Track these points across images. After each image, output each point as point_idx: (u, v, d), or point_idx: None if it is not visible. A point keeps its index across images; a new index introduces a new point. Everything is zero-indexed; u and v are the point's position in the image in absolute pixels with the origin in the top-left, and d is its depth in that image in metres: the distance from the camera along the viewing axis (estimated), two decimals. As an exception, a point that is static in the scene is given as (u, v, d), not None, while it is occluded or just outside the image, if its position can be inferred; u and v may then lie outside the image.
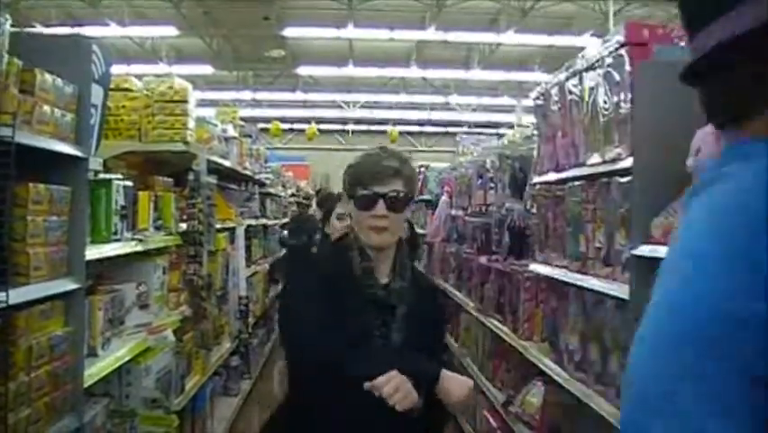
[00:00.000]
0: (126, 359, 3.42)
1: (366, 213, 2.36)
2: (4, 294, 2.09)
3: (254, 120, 16.72)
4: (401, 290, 2.41)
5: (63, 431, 2.74)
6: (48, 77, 2.66)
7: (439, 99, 24.34)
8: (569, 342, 3.45)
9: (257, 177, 7.76)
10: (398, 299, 2.39)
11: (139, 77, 4.70)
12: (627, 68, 2.79)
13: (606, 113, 3.03)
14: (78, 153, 2.87)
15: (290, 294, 2.64)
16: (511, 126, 8.83)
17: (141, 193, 3.76)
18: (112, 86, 3.74)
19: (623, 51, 2.83)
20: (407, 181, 2.42)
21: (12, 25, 2.39)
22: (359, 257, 2.40)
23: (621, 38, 2.87)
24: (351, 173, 2.44)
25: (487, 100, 24.19)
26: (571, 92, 3.47)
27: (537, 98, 4.06)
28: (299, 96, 24.16)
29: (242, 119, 7.97)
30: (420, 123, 27.51)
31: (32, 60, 2.61)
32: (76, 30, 14.22)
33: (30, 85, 2.54)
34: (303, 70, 21.04)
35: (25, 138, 2.36)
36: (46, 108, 2.63)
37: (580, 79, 3.34)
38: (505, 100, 22.63)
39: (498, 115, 23.94)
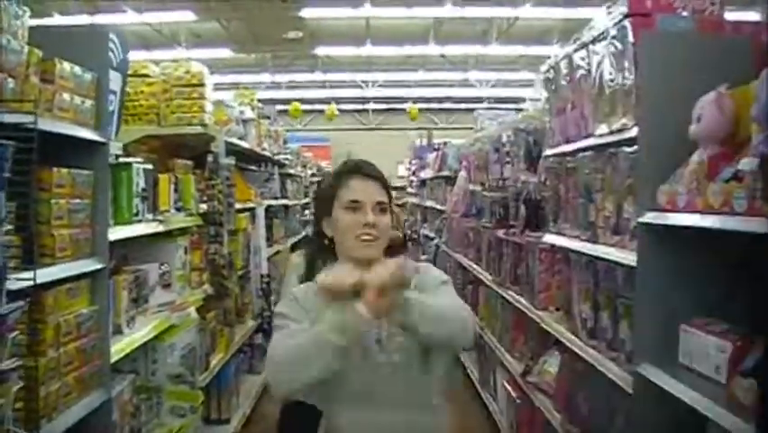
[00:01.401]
0: (151, 336, 3.54)
1: None
2: (31, 274, 2.20)
3: (274, 102, 16.73)
4: None
5: (92, 404, 2.87)
6: (67, 65, 2.77)
7: (458, 76, 24.24)
8: (582, 310, 3.52)
9: (276, 158, 7.84)
10: None
11: (158, 62, 4.81)
12: (630, 38, 2.83)
13: (611, 84, 3.07)
14: (99, 138, 2.98)
15: None
16: (532, 101, 8.80)
17: (161, 176, 3.85)
18: (130, 72, 3.83)
19: (626, 23, 2.87)
20: None
21: (30, 16, 2.48)
22: None
23: (624, 9, 2.91)
24: None
25: (506, 75, 24.05)
26: (578, 65, 3.51)
27: (547, 71, 4.10)
28: (318, 76, 24.18)
29: (262, 101, 8.05)
30: (440, 100, 27.43)
31: (52, 51, 2.72)
32: (93, 18, 14.37)
33: (50, 74, 2.65)
34: (321, 51, 21.03)
35: (47, 125, 2.46)
36: (66, 96, 2.73)
37: (588, 51, 3.38)
38: (524, 75, 22.46)
39: (518, 90, 23.71)
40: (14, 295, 2.21)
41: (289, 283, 2.92)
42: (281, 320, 2.06)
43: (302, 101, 24.32)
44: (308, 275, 2.33)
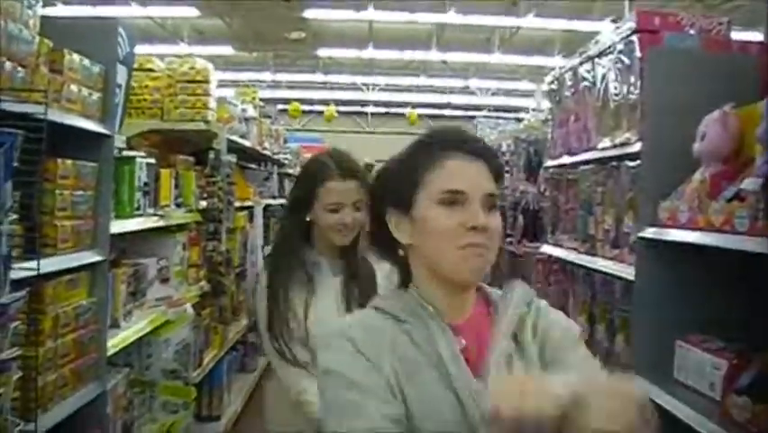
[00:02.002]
0: (147, 331, 3.53)
1: None
2: (35, 264, 2.20)
3: (274, 101, 16.75)
4: None
5: (88, 396, 2.87)
6: (76, 57, 2.77)
7: (459, 83, 24.26)
8: (578, 323, 3.53)
9: (276, 157, 7.85)
10: None
11: (160, 57, 4.82)
12: (638, 54, 2.85)
13: (616, 98, 3.10)
14: (104, 131, 2.98)
15: None
16: (534, 111, 8.85)
17: (162, 171, 3.85)
18: (135, 66, 3.85)
19: (634, 38, 2.89)
20: None
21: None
22: None
23: (633, 25, 2.94)
24: None
25: (506, 84, 24.09)
26: (583, 77, 3.54)
27: (551, 83, 4.12)
28: (319, 77, 24.17)
29: (262, 100, 8.07)
30: (440, 106, 27.46)
31: (61, 42, 2.72)
32: (98, 9, 14.34)
33: (59, 65, 2.65)
34: (323, 52, 21.03)
35: (55, 116, 2.47)
36: (74, 87, 2.74)
37: (593, 65, 3.40)
38: (524, 84, 22.55)
39: (518, 100, 23.85)
40: (15, 284, 2.21)
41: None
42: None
43: (301, 101, 24.32)
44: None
